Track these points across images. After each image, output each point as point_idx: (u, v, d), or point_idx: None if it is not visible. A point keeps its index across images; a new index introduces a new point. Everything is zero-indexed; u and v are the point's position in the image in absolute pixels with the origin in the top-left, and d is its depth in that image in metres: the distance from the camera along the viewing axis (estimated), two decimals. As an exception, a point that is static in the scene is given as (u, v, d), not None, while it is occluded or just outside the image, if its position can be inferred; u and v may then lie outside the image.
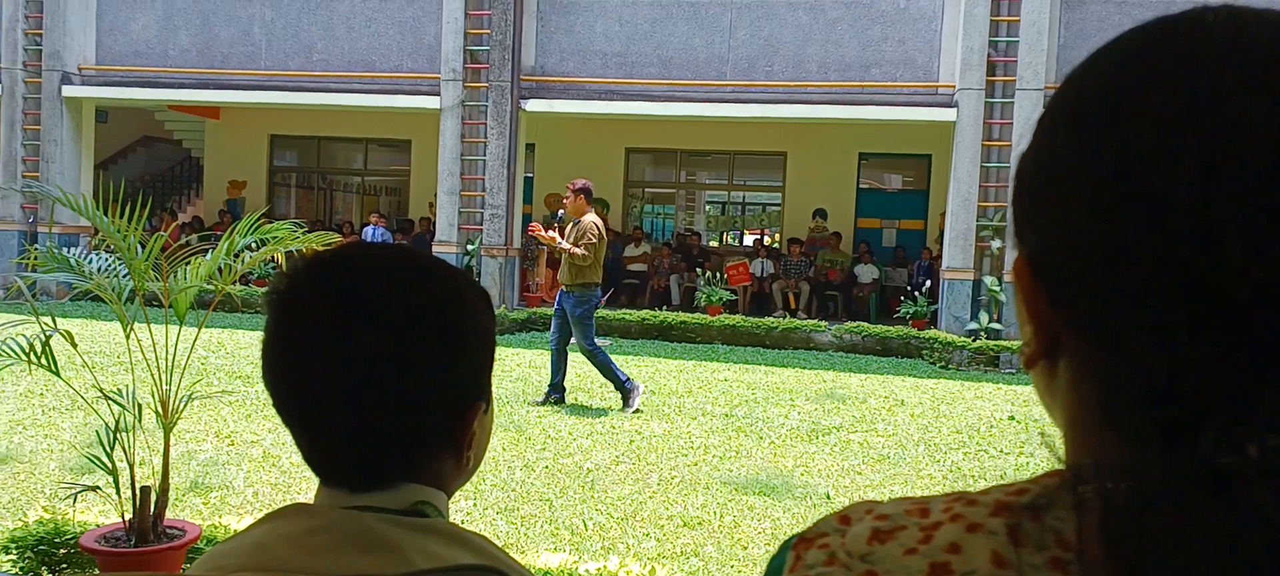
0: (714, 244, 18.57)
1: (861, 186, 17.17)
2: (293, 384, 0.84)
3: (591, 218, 7.65)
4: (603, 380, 8.43)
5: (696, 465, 6.08)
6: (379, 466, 0.83)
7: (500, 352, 10.64)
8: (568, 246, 7.52)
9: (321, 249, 0.91)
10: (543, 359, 10.20)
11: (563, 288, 7.68)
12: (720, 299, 13.65)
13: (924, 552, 0.49)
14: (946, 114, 12.24)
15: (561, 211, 7.97)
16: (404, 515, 0.81)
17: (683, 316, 13.01)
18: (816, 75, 12.80)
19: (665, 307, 14.25)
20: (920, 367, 11.13)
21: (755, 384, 9.37)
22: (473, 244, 13.52)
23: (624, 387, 7.62)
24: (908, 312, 12.68)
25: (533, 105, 13.47)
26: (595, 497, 5.29)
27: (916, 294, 12.92)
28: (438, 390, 0.84)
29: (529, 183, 16.53)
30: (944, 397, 9.02)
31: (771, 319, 13.16)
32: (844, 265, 15.49)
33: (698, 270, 14.85)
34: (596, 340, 7.77)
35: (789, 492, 5.55)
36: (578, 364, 8.26)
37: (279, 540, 0.78)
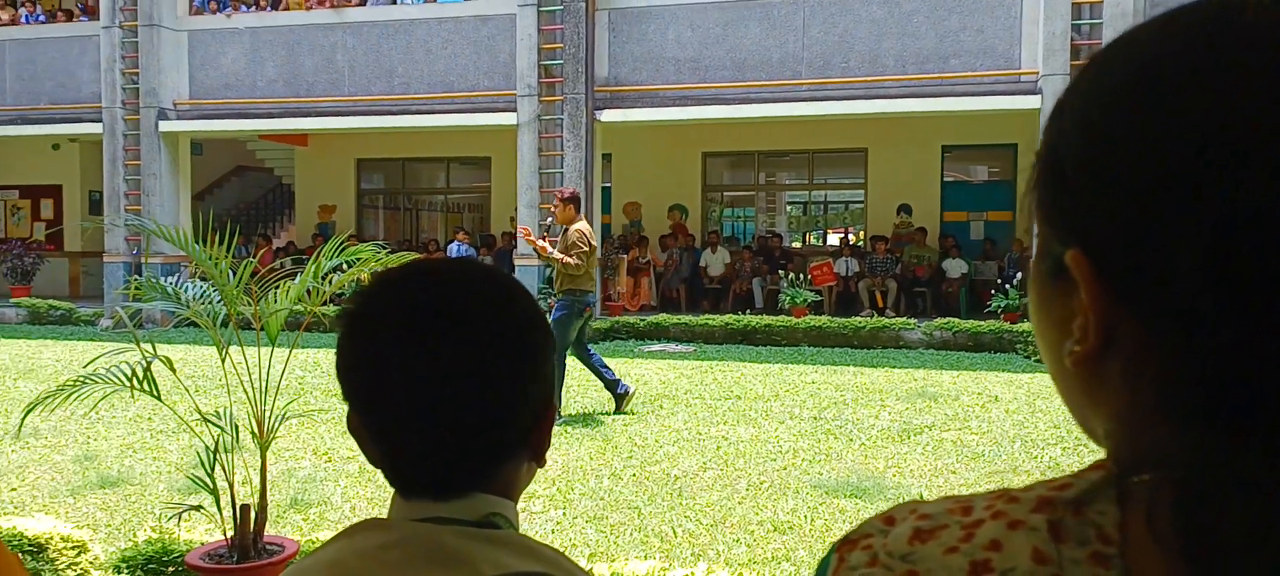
0: (796, 245, 18.39)
1: (946, 179, 16.83)
2: (369, 400, 0.84)
3: (581, 225, 7.55)
4: (687, 387, 8.40)
5: (786, 469, 6.02)
6: (455, 479, 0.84)
7: (585, 362, 10.62)
8: (560, 256, 7.40)
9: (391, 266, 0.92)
10: (626, 368, 10.23)
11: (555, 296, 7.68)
12: (805, 300, 13.51)
13: (965, 551, 0.49)
14: (1030, 101, 11.92)
15: (551, 219, 7.84)
16: (477, 526, 0.82)
17: (767, 320, 12.91)
18: (894, 69, 12.59)
19: (748, 311, 14.16)
20: (1015, 362, 10.83)
21: (844, 385, 9.24)
22: (554, 256, 13.64)
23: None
24: (999, 306, 12.37)
25: (607, 115, 13.54)
26: (683, 504, 5.27)
27: (1008, 287, 12.59)
28: (518, 402, 0.84)
29: (607, 192, 16.63)
30: (1040, 392, 8.76)
31: (858, 318, 12.96)
32: (931, 260, 15.19)
33: (780, 272, 14.71)
34: (590, 350, 7.75)
35: (881, 494, 5.45)
36: (651, 369, 8.25)
37: (354, 555, 0.80)
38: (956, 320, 12.50)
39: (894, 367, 10.40)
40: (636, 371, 9.91)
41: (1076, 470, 0.52)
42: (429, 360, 0.80)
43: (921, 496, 5.44)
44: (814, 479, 5.77)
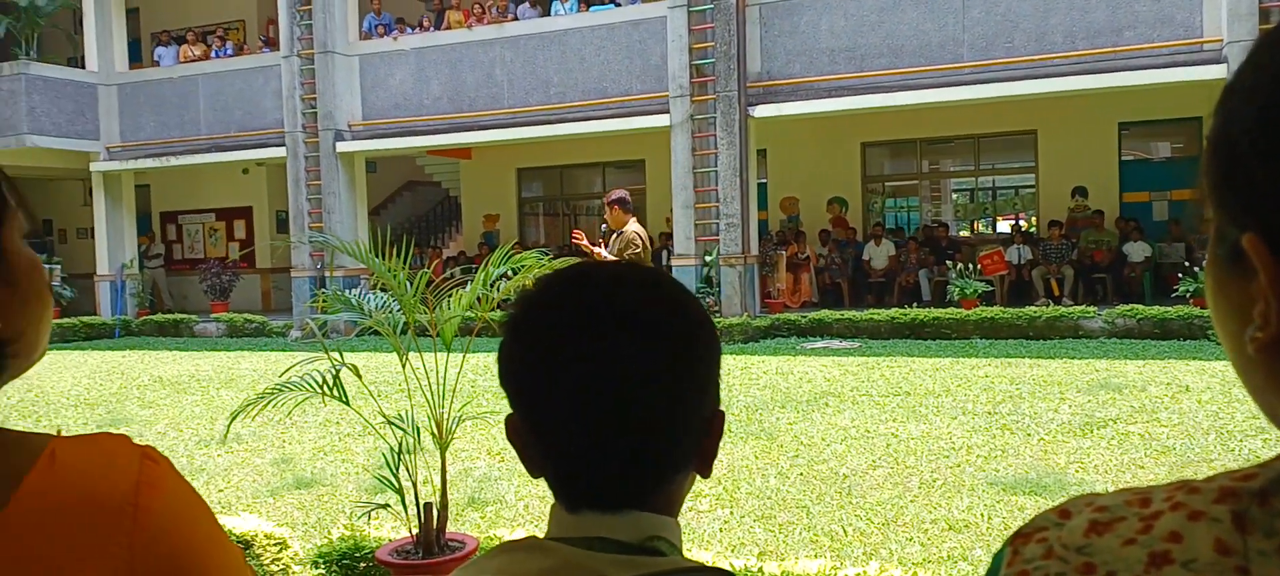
0: (964, 233, 17.75)
1: (1124, 158, 15.88)
2: (533, 403, 0.81)
3: (634, 227, 7.42)
4: (853, 383, 8.23)
5: (959, 466, 5.83)
6: (622, 491, 0.79)
7: (746, 360, 10.68)
8: (612, 260, 7.23)
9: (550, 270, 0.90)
10: (789, 365, 10.14)
11: None
12: (975, 291, 13.03)
13: (1143, 542, 0.48)
14: (1215, 71, 11.10)
15: (604, 225, 7.75)
16: (638, 552, 0.78)
17: (935, 312, 12.53)
18: (1063, 46, 11.99)
19: (915, 304, 13.78)
20: (1206, 349, 10.12)
21: (1019, 378, 8.87)
22: (710, 255, 13.66)
23: None
24: (1187, 290, 11.58)
25: (761, 111, 13.46)
26: (853, 503, 5.18)
27: (1196, 269, 11.77)
28: (688, 409, 0.80)
29: (763, 188, 16.52)
30: (1236, 380, 8.11)
31: (1033, 308, 12.40)
32: (1110, 244, 14.37)
33: (948, 263, 14.25)
34: None
35: (1062, 491, 5.20)
36: (796, 369, 8.13)
37: None
38: (1140, 306, 11.79)
39: (1073, 358, 9.91)
40: (800, 369, 9.82)
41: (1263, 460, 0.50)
42: (597, 363, 0.77)
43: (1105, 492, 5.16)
44: (989, 476, 5.57)
